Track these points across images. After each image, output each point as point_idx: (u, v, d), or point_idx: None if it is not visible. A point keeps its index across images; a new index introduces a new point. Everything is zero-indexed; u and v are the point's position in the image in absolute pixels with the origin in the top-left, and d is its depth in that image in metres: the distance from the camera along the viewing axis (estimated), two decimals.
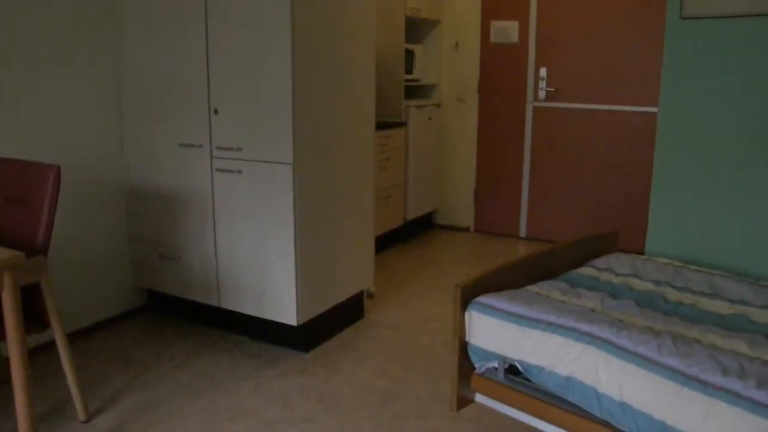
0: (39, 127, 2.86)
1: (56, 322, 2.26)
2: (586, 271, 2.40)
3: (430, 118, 4.96)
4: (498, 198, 5.12)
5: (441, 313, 3.47)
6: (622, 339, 1.72)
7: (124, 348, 3.03)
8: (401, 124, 4.58)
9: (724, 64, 2.58)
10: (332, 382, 2.73)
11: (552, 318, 1.87)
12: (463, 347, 2.04)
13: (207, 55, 2.87)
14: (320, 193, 2.93)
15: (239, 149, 2.86)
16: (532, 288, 2.17)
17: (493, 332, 1.95)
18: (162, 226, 3.18)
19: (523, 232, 5.07)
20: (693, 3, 2.59)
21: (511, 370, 1.95)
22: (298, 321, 2.86)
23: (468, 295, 2.04)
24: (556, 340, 1.81)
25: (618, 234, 2.85)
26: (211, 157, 2.95)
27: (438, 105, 5.10)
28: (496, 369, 1.97)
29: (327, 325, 3.13)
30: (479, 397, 2.07)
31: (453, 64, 5.11)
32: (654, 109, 4.04)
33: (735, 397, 1.48)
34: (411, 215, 4.83)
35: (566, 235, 4.66)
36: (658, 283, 2.30)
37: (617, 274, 2.37)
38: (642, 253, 2.75)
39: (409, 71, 4.69)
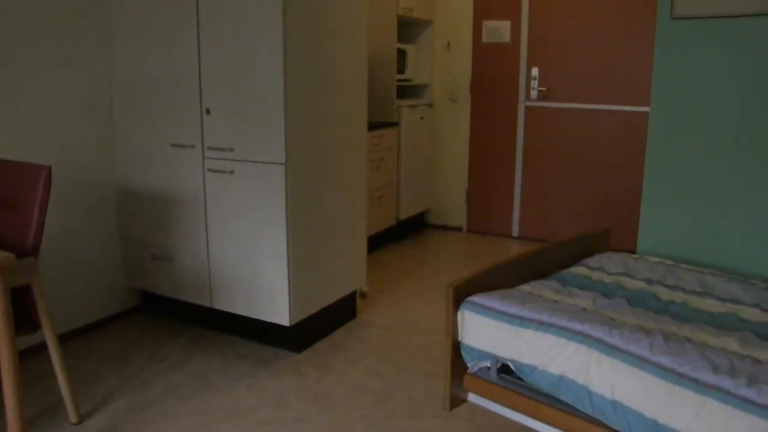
0: (29, 128, 2.84)
1: (47, 323, 2.24)
2: (578, 270, 2.41)
3: (422, 118, 4.96)
4: (490, 197, 5.13)
5: (433, 312, 3.47)
6: (613, 338, 1.73)
7: (116, 349, 3.02)
8: (394, 124, 4.58)
9: (714, 64, 2.59)
10: (325, 382, 2.73)
11: (544, 317, 1.88)
12: (456, 347, 2.04)
13: (199, 56, 2.86)
14: (313, 193, 2.92)
15: (231, 149, 2.85)
16: (525, 287, 2.17)
17: (486, 332, 1.96)
18: (154, 226, 3.17)
19: (515, 232, 5.08)
20: (684, 3, 2.61)
21: (504, 369, 1.96)
22: (290, 321, 2.85)
23: (460, 295, 2.04)
24: (548, 340, 1.82)
25: (610, 233, 2.86)
26: (203, 157, 2.94)
27: (430, 105, 5.10)
28: (488, 368, 1.97)
29: (320, 326, 3.13)
30: (472, 397, 2.07)
31: (445, 64, 5.12)
32: (645, 109, 4.07)
33: (726, 395, 1.48)
34: (404, 215, 4.84)
35: (558, 234, 4.68)
36: (649, 281, 2.31)
37: (609, 273, 2.38)
38: (634, 252, 2.77)
39: (401, 71, 4.69)
